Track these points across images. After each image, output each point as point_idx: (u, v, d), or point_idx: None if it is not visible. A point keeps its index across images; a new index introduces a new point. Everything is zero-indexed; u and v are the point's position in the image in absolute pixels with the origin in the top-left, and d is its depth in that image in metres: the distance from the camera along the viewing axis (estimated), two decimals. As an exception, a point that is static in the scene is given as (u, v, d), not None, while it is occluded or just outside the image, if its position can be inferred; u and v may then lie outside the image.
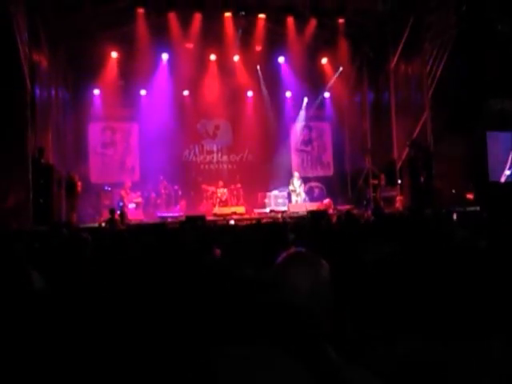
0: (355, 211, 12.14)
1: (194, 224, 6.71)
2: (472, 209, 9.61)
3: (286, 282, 1.39)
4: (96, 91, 13.85)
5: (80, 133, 13.84)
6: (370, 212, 10.81)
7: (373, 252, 2.64)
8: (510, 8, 10.44)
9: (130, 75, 13.61)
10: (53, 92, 11.63)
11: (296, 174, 14.43)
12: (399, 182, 13.02)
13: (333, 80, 14.77)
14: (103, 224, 10.05)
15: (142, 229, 5.98)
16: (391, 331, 1.79)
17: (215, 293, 1.99)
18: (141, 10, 11.32)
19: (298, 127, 15.95)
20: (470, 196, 10.80)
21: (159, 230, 5.04)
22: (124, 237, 5.30)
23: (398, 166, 13.18)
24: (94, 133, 14.46)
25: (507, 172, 12.09)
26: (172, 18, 11.77)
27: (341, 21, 12.16)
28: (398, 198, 12.65)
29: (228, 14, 11.95)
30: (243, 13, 11.90)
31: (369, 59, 14.43)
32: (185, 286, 2.22)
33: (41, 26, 10.20)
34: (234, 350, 1.35)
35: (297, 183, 14.19)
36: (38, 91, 10.07)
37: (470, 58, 10.88)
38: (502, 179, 12.03)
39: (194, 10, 11.61)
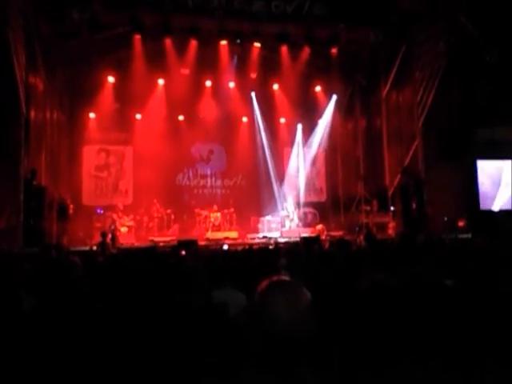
0: (348, 237, 12.15)
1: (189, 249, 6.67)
2: (464, 236, 9.65)
3: (267, 310, 1.40)
4: (91, 114, 13.95)
5: (74, 155, 13.87)
6: (362, 238, 10.80)
7: (365, 280, 2.63)
8: (499, 39, 10.74)
9: (125, 99, 13.74)
10: (48, 114, 11.69)
11: (290, 199, 14.48)
12: (392, 208, 13.09)
13: (330, 113, 15.06)
14: (94, 247, 9.95)
15: (132, 253, 5.93)
16: (382, 360, 1.78)
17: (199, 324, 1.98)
18: (137, 37, 11.50)
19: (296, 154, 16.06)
20: (461, 223, 10.86)
21: (149, 255, 4.99)
22: (114, 261, 5.24)
23: (390, 192, 13.29)
24: (89, 155, 14.50)
25: (499, 200, 12.21)
26: (168, 44, 11.97)
27: (334, 50, 12.42)
28: (391, 225, 12.70)
29: (224, 42, 12.18)
30: (238, 41, 12.13)
31: (361, 87, 14.72)
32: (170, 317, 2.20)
33: (39, 51, 10.36)
34: (222, 381, 1.34)
35: (291, 208, 14.23)
36: (33, 113, 10.13)
37: (460, 87, 11.13)
38: (494, 207, 12.14)
39: (189, 37, 11.81)
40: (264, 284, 1.49)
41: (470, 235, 9.79)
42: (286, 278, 1.56)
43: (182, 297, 2.84)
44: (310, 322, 1.41)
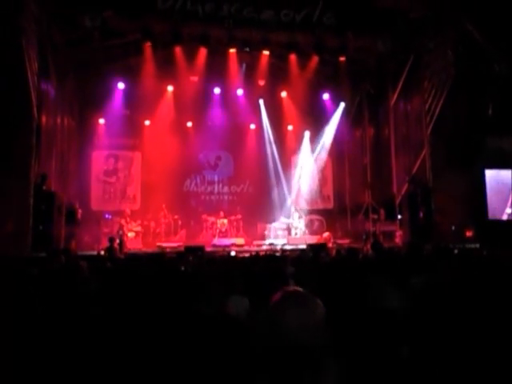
0: (354, 245, 12.12)
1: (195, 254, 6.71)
2: (472, 246, 9.59)
3: (281, 321, 1.40)
4: (101, 120, 14.09)
5: (83, 160, 14.00)
6: (369, 246, 10.77)
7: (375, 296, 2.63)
8: (507, 49, 10.73)
9: (134, 105, 13.88)
10: (59, 120, 11.84)
11: (295, 207, 14.49)
12: (399, 216, 13.05)
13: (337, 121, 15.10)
14: (102, 252, 10.02)
15: (140, 259, 5.97)
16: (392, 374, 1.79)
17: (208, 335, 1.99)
18: (148, 44, 11.64)
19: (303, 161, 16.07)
20: (469, 233, 10.80)
21: (157, 261, 5.03)
22: (122, 267, 5.28)
23: (398, 200, 13.25)
24: (98, 160, 14.63)
25: (508, 210, 12.12)
26: (178, 51, 12.09)
27: (342, 58, 12.46)
28: (398, 233, 12.65)
29: (232, 50, 12.28)
30: (247, 49, 12.22)
31: (369, 95, 14.72)
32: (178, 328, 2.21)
33: (50, 58, 10.51)
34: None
35: (295, 216, 14.23)
36: (44, 119, 10.27)
37: (469, 96, 11.11)
38: (504, 217, 12.04)
39: (199, 45, 11.92)
40: (278, 295, 1.48)
41: (478, 245, 9.73)
42: (299, 289, 1.55)
43: (191, 303, 2.86)
44: (323, 334, 1.41)
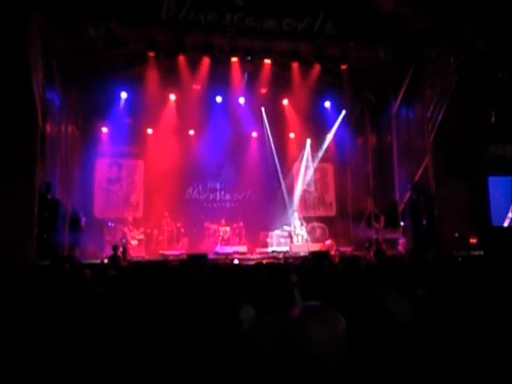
0: (357, 252, 12.11)
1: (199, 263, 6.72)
2: (476, 253, 9.58)
3: (304, 335, 1.37)
4: (104, 129, 14.19)
5: (87, 168, 14.07)
6: (372, 254, 10.77)
7: (376, 302, 2.64)
8: (510, 56, 10.77)
9: (137, 114, 14.00)
10: (63, 128, 11.93)
11: (296, 215, 14.49)
12: (401, 224, 13.04)
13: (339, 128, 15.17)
14: (105, 260, 10.04)
15: (143, 267, 5.99)
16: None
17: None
18: (151, 54, 11.75)
19: (302, 168, 16.13)
20: (473, 240, 10.78)
21: (161, 269, 5.05)
22: (126, 274, 5.30)
23: (400, 208, 13.25)
24: (101, 169, 14.70)
25: (510, 215, 12.11)
26: (181, 60, 12.19)
27: (343, 67, 12.54)
28: (401, 241, 12.64)
29: (235, 59, 12.38)
30: (249, 58, 12.31)
31: (371, 103, 14.79)
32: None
33: (55, 67, 10.61)
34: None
35: (297, 223, 14.22)
36: (48, 127, 10.35)
37: (471, 104, 11.14)
38: (506, 223, 12.03)
39: (202, 54, 12.03)
40: (298, 310, 1.45)
41: (482, 252, 9.72)
42: (319, 303, 1.52)
43: (190, 310, 2.88)
44: (344, 348, 1.39)
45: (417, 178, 12.54)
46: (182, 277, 4.80)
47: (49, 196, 9.91)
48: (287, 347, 1.38)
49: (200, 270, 5.74)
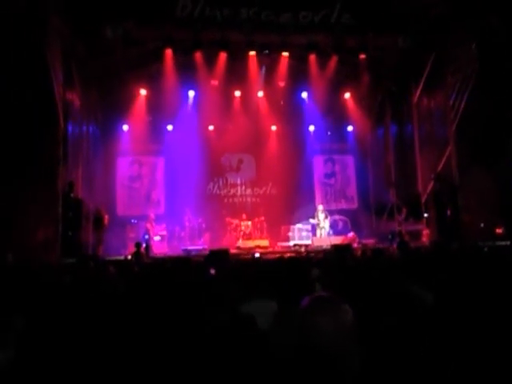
0: (380, 245, 11.97)
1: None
2: (502, 243, 9.35)
3: (310, 326, 1.40)
4: (125, 127, 14.37)
5: (109, 167, 14.28)
6: (395, 246, 10.63)
7: (400, 293, 2.60)
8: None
9: (157, 111, 14.11)
10: (84, 128, 12.13)
11: (320, 207, 14.39)
12: (425, 215, 12.82)
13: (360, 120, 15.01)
14: (129, 257, 10.17)
15: (166, 264, 6.04)
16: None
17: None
18: (169, 51, 11.81)
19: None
20: (499, 230, 10.52)
21: (185, 265, 5.08)
22: (151, 271, 5.36)
23: (423, 199, 13.02)
24: (122, 167, 14.90)
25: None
26: (198, 57, 12.21)
27: (362, 56, 12.34)
28: (425, 232, 12.44)
29: (252, 53, 12.32)
30: (267, 51, 12.24)
31: (391, 93, 14.54)
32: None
33: (74, 68, 10.77)
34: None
35: (321, 216, 14.12)
36: (70, 128, 10.54)
37: (494, 91, 10.82)
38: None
39: (219, 50, 12.01)
40: (306, 301, 1.47)
41: (508, 242, 9.47)
42: (327, 294, 1.56)
43: (210, 310, 2.89)
44: (353, 337, 1.41)
45: (440, 168, 12.29)
46: (205, 275, 4.83)
47: (72, 195, 10.10)
48: (300, 341, 1.40)
49: (223, 267, 5.77)
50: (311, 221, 14.08)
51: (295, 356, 1.40)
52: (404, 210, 13.08)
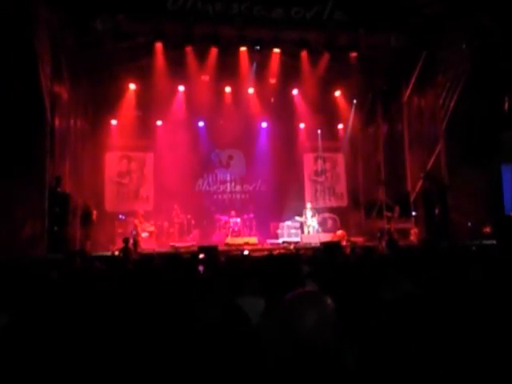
0: (369, 243, 12.02)
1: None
2: (489, 242, 9.44)
3: (292, 319, 1.47)
4: (114, 121, 14.19)
5: (97, 162, 14.09)
6: (384, 244, 10.68)
7: (390, 290, 2.60)
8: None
9: (146, 106, 13.97)
10: (72, 122, 11.93)
11: (309, 205, 14.41)
12: (414, 213, 12.90)
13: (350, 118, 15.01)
14: (117, 253, 10.08)
15: (154, 260, 5.99)
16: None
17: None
18: (159, 45, 11.67)
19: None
20: (487, 230, 10.62)
21: (173, 262, 5.04)
22: (140, 268, 5.30)
23: (412, 197, 13.10)
24: (111, 162, 14.74)
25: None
26: (189, 51, 12.09)
27: (353, 55, 12.33)
28: (413, 231, 12.51)
29: (243, 49, 12.25)
30: (258, 47, 12.17)
31: (382, 91, 14.58)
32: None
33: (63, 61, 10.59)
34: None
35: (309, 214, 14.13)
36: (57, 122, 10.36)
37: (484, 91, 10.90)
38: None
39: (210, 45, 11.91)
40: (289, 296, 1.53)
41: (495, 242, 9.57)
42: (310, 288, 1.68)
43: (201, 305, 2.84)
44: (334, 331, 1.46)
45: (429, 166, 12.37)
46: (195, 271, 4.79)
47: (59, 190, 9.95)
48: (284, 334, 1.49)
49: (212, 263, 5.73)
50: (297, 218, 14.08)
51: (280, 350, 1.45)
52: (397, 209, 13.14)
